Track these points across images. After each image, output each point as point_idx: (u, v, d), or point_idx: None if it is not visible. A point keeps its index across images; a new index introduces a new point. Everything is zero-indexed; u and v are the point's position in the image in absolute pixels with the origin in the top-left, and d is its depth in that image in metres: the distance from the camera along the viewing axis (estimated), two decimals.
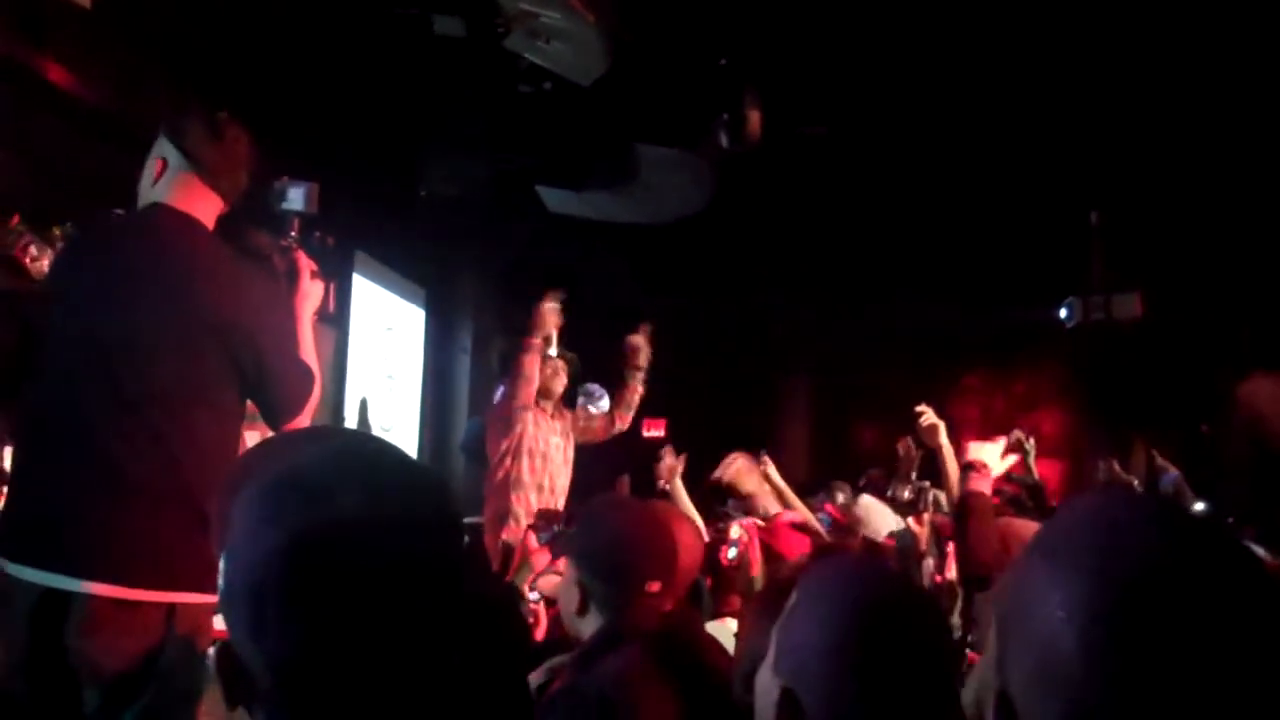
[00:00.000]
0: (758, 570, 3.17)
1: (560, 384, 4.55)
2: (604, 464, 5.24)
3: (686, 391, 4.76)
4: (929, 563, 4.57)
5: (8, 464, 2.47)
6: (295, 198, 2.37)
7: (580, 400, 5.12)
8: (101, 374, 1.98)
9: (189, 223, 2.11)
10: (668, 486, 4.00)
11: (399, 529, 0.78)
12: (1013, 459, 2.96)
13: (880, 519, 4.70)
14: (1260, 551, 2.19)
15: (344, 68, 4.97)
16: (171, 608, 1.93)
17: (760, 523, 3.61)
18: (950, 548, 3.83)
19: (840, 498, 5.26)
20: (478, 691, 0.77)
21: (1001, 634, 0.78)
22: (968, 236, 6.86)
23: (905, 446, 5.00)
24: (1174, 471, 4.36)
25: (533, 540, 2.35)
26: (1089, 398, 8.03)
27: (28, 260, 2.94)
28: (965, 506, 2.61)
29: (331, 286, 2.38)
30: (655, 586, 1.87)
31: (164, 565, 1.93)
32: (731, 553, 3.23)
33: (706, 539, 3.13)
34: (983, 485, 2.63)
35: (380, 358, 6.64)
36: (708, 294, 8.13)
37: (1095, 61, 5.15)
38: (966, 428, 2.87)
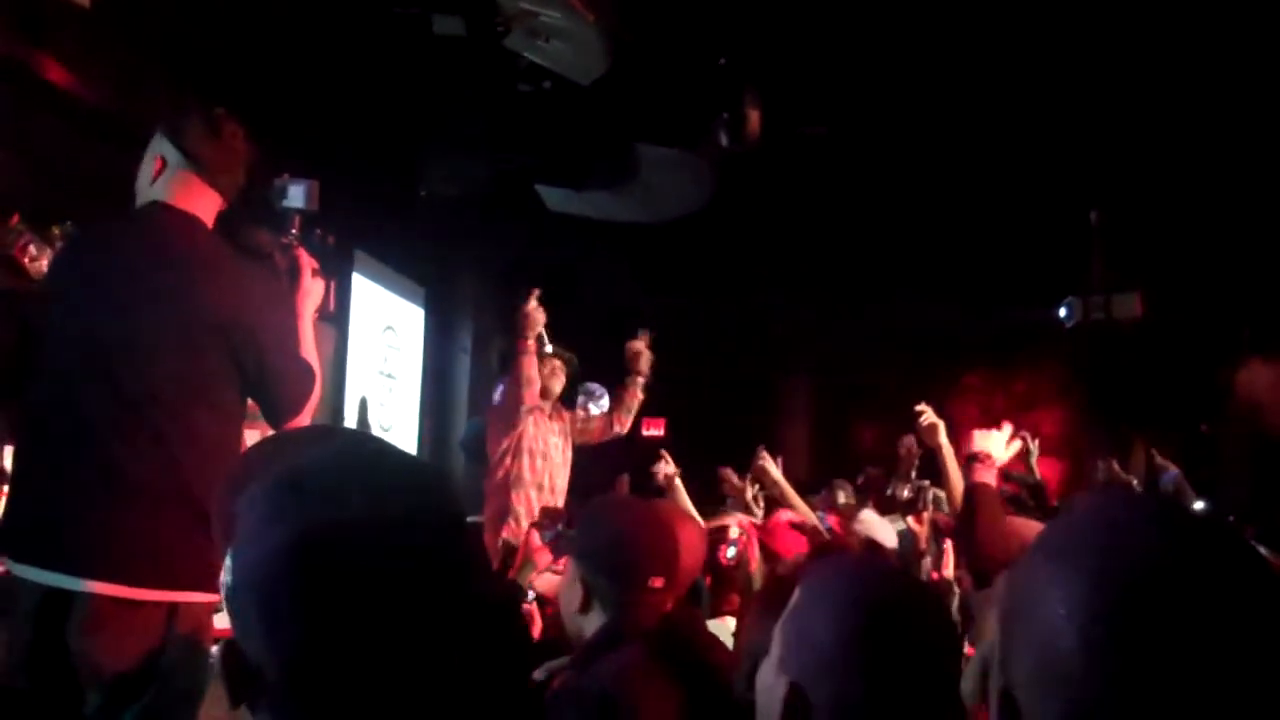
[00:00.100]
0: (755, 569, 3.17)
1: (559, 383, 4.55)
2: (603, 464, 5.25)
3: (686, 391, 4.76)
4: (926, 560, 4.57)
5: (8, 463, 2.47)
6: (296, 195, 2.37)
7: (580, 399, 5.12)
8: (102, 374, 1.98)
9: (189, 221, 2.11)
10: (666, 486, 4.02)
11: (404, 527, 0.78)
12: (1017, 445, 2.92)
13: (880, 535, 4.69)
14: (1261, 550, 2.18)
15: (343, 67, 4.97)
16: (173, 607, 1.93)
17: (757, 522, 3.62)
18: (947, 544, 3.82)
19: (841, 497, 5.27)
20: (482, 689, 0.77)
21: (1005, 633, 0.79)
22: (968, 236, 6.86)
23: (907, 446, 5.00)
24: (1174, 470, 4.36)
25: (535, 538, 2.36)
26: (1089, 397, 8.03)
27: (27, 260, 2.94)
28: (973, 499, 2.55)
29: (332, 284, 2.38)
30: (658, 584, 1.87)
31: (165, 564, 1.93)
32: (730, 551, 3.23)
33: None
34: (988, 476, 2.58)
35: (380, 357, 6.64)
36: (708, 294, 8.13)
37: (1095, 61, 5.15)
38: (966, 427, 2.85)
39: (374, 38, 4.83)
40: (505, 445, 4.35)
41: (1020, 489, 4.19)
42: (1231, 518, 3.26)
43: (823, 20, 4.96)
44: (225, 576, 0.80)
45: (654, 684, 1.70)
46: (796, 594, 1.16)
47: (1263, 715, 0.69)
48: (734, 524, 3.30)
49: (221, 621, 1.44)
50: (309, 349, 2.22)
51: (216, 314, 2.02)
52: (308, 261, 2.32)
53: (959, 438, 2.96)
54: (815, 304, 8.20)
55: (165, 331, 2.00)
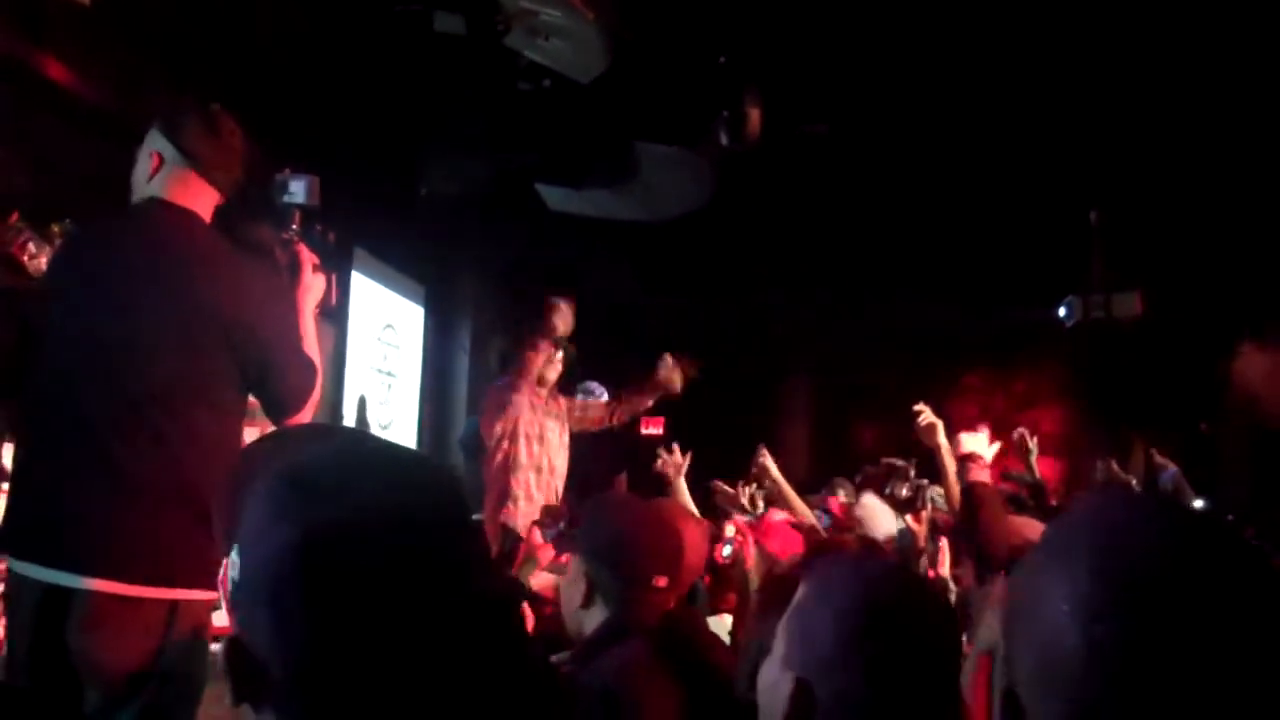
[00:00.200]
0: (752, 567, 3.19)
1: (554, 371, 4.54)
2: (602, 462, 5.25)
3: (686, 391, 4.76)
4: (923, 559, 4.57)
5: (8, 462, 2.47)
6: (297, 190, 2.36)
7: (579, 398, 5.12)
8: (102, 372, 1.98)
9: (187, 217, 2.10)
10: (671, 477, 4.02)
11: (409, 524, 0.78)
12: (997, 447, 2.95)
13: (881, 521, 4.69)
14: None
15: (344, 65, 4.96)
16: (173, 605, 1.93)
17: (753, 521, 3.63)
18: (943, 543, 3.84)
19: (841, 495, 5.26)
20: (485, 686, 0.77)
21: (1007, 632, 0.79)
22: (968, 236, 6.86)
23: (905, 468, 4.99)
24: (1173, 468, 4.36)
25: (537, 536, 2.36)
26: (1089, 397, 8.04)
27: (26, 258, 2.94)
28: (973, 498, 2.59)
29: (334, 277, 2.38)
30: (662, 581, 1.88)
31: (165, 562, 1.93)
32: (726, 550, 3.25)
33: None
34: (983, 475, 2.63)
35: (379, 355, 6.64)
36: (708, 293, 8.12)
37: (1095, 61, 5.15)
38: (966, 427, 2.87)
39: (374, 35, 4.83)
40: (500, 430, 4.35)
41: (1020, 488, 4.20)
42: (1231, 517, 3.26)
43: (823, 19, 4.96)
44: (231, 573, 0.79)
45: (656, 681, 1.70)
46: (800, 592, 1.16)
47: (1264, 714, 0.69)
48: (730, 523, 3.32)
49: (221, 619, 1.43)
50: (310, 344, 2.22)
51: (217, 310, 2.01)
52: (308, 257, 2.31)
53: (954, 439, 2.97)
54: (815, 304, 8.19)
55: (165, 329, 1.99)
